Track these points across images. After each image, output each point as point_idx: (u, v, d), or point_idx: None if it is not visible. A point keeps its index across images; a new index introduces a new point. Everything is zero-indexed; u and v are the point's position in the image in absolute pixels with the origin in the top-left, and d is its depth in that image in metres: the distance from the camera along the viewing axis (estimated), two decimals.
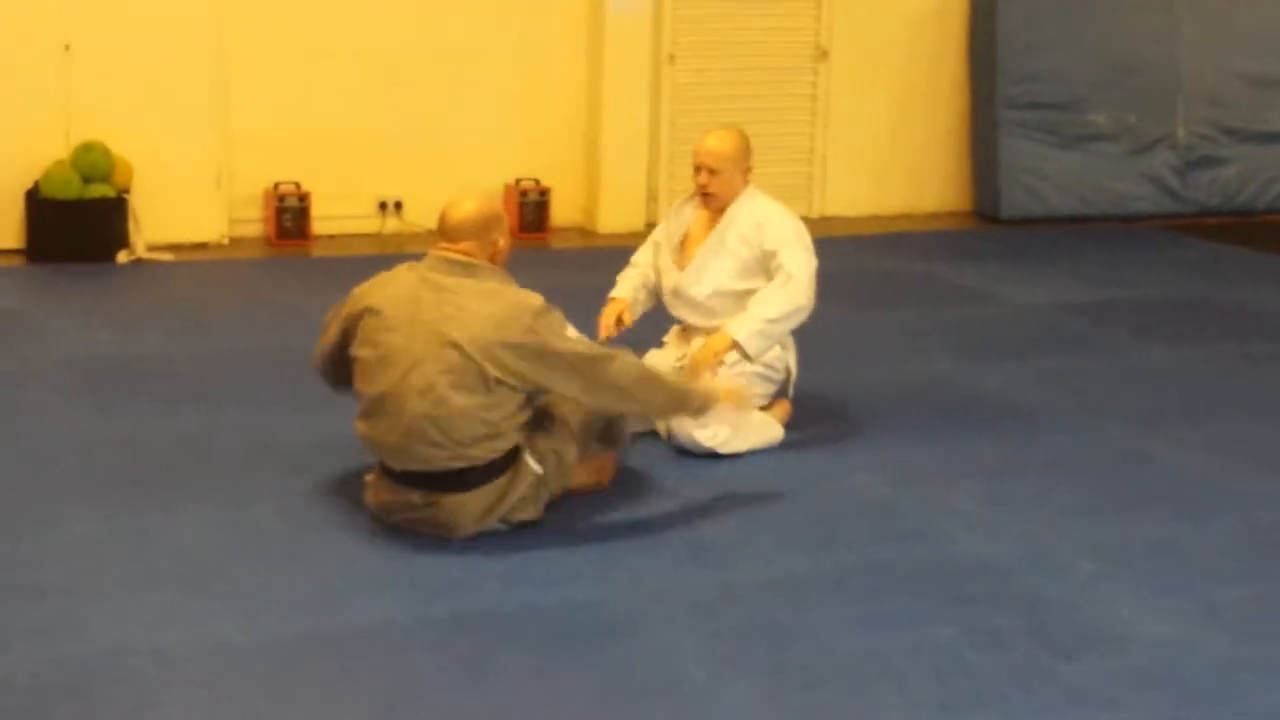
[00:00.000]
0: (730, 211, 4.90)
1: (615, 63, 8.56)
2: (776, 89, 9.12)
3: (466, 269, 4.04)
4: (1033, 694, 3.31)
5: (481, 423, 3.94)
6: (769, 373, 4.93)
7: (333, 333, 4.21)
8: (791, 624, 3.63)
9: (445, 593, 3.75)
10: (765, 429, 4.90)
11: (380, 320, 4.02)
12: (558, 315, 4.06)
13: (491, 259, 4.10)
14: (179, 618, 3.55)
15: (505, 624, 3.58)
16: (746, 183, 4.94)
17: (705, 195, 4.92)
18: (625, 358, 4.10)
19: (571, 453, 4.17)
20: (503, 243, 4.14)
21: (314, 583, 3.78)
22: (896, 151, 9.48)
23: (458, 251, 4.06)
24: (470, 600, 3.70)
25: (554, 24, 8.56)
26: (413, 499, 4.03)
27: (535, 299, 4.02)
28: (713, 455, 4.74)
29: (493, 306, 3.96)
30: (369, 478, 4.22)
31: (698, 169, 4.89)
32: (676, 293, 4.99)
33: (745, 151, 4.91)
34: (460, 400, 3.90)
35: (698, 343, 4.88)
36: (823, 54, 9.17)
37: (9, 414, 5.06)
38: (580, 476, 4.30)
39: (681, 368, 4.82)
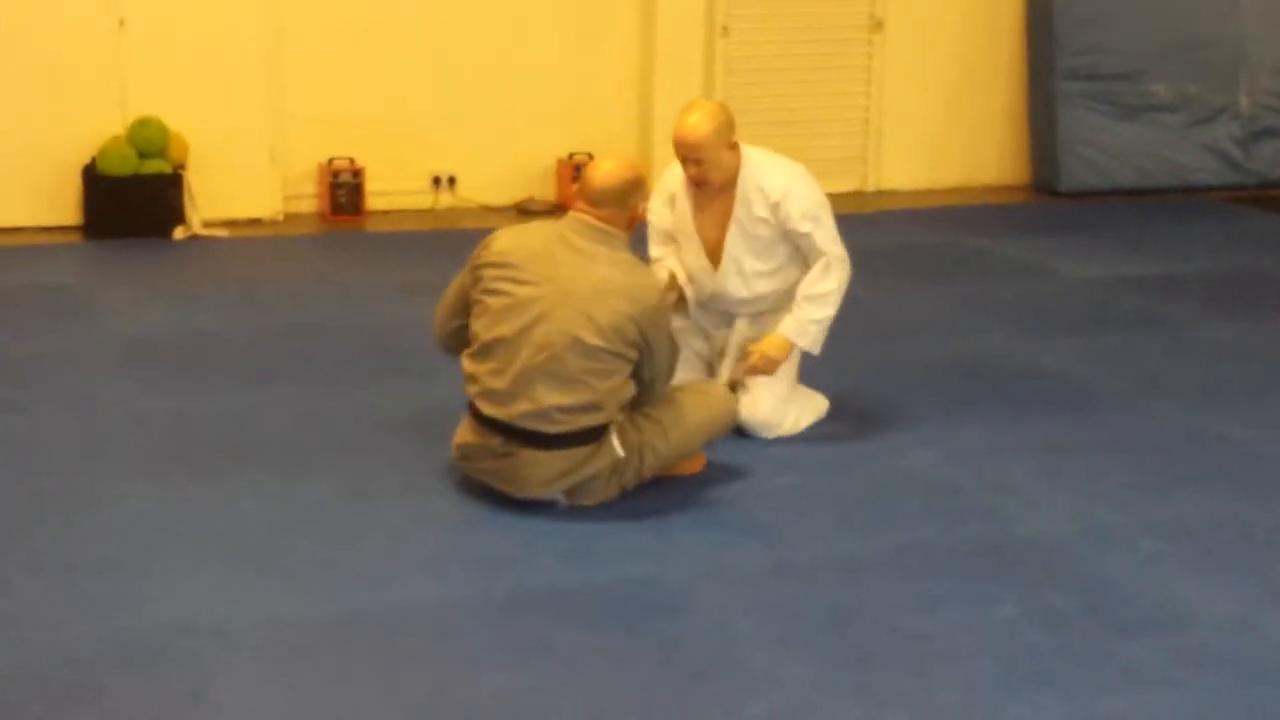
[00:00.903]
0: (740, 191, 4.58)
1: (667, 36, 8.52)
2: (830, 61, 9.05)
3: (604, 236, 4.08)
4: (1092, 673, 3.28)
5: (588, 389, 3.96)
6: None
7: (458, 282, 4.23)
8: (848, 602, 3.61)
9: (502, 570, 3.75)
10: (816, 402, 4.88)
11: (513, 271, 4.05)
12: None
13: (630, 224, 4.16)
14: (235, 593, 3.58)
15: (562, 601, 3.59)
16: (738, 156, 4.58)
17: (699, 185, 4.57)
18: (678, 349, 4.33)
19: (655, 456, 4.18)
20: (641, 208, 4.20)
21: (370, 559, 3.80)
22: (952, 124, 9.39)
23: (597, 217, 4.09)
24: (527, 578, 3.71)
25: None
26: (494, 444, 4.05)
27: (660, 280, 4.21)
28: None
29: (627, 278, 4.03)
30: (455, 437, 4.22)
31: (683, 161, 4.52)
32: (718, 296, 4.78)
33: (726, 126, 4.49)
34: (576, 362, 3.94)
35: (741, 324, 4.81)
36: (877, 25, 9.08)
37: (66, 390, 5.10)
38: (672, 469, 4.32)
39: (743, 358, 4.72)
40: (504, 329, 4.02)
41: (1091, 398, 5.27)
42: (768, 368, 4.62)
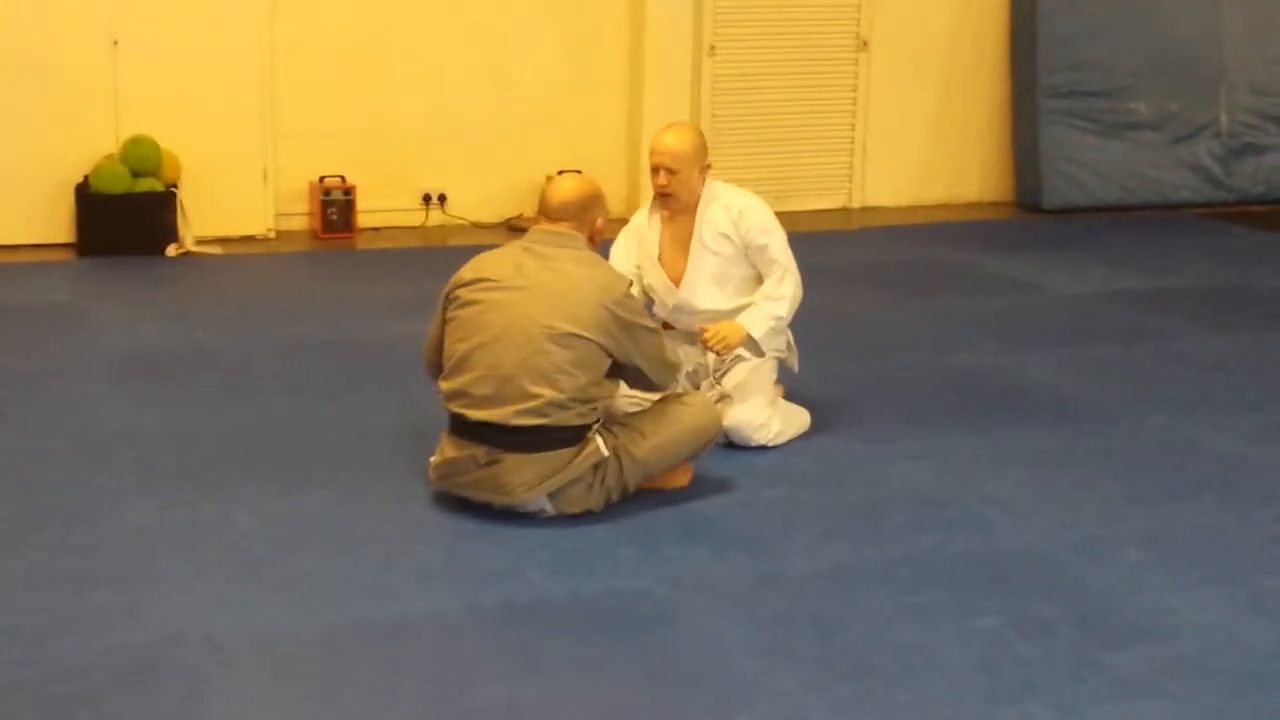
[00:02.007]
0: (701, 211, 4.76)
1: (656, 54, 8.58)
2: (817, 79, 9.11)
3: (566, 240, 4.18)
4: (1080, 683, 3.32)
5: (572, 380, 4.03)
6: (780, 352, 4.92)
7: (437, 316, 4.29)
8: (837, 614, 3.64)
9: (493, 582, 3.78)
10: (798, 416, 4.93)
11: (482, 284, 4.16)
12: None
13: (590, 237, 4.26)
14: (231, 607, 3.60)
15: (553, 613, 3.62)
16: (704, 180, 4.77)
17: (664, 196, 4.73)
18: (662, 334, 4.39)
19: (635, 461, 4.21)
20: (601, 222, 4.29)
21: (364, 573, 3.83)
22: (937, 141, 9.45)
23: (557, 228, 4.20)
24: (518, 590, 3.74)
25: (595, 16, 8.58)
26: (477, 454, 4.09)
27: (626, 276, 4.31)
28: (759, 447, 4.77)
29: (593, 272, 4.15)
30: (433, 458, 4.26)
31: (655, 169, 4.69)
32: (680, 309, 4.87)
33: (703, 149, 4.74)
34: (557, 354, 4.02)
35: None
36: (863, 44, 9.15)
37: (61, 406, 5.13)
38: (658, 481, 4.35)
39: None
40: (481, 336, 4.10)
41: (1079, 410, 5.32)
42: (722, 347, 4.66)
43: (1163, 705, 3.24)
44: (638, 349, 4.18)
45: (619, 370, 4.23)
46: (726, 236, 4.77)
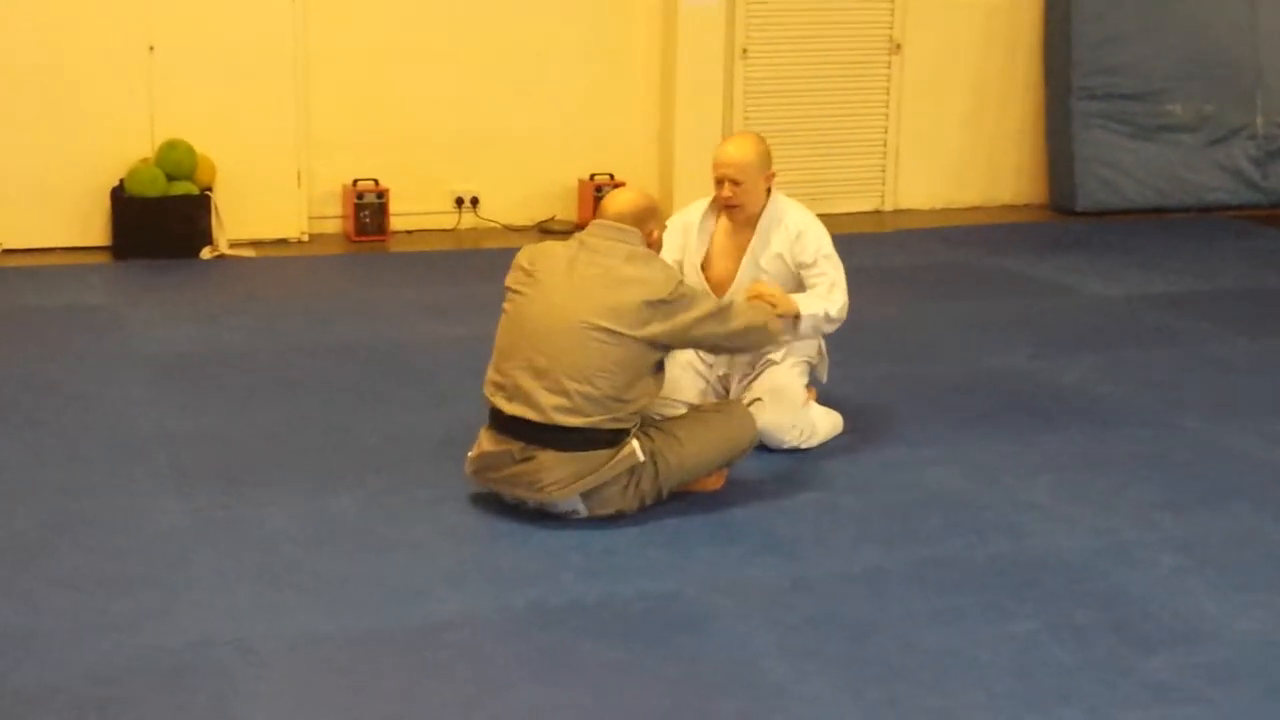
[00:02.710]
0: (762, 226, 4.71)
1: (688, 57, 8.58)
2: (849, 83, 9.10)
3: (622, 234, 4.18)
4: (1115, 689, 3.30)
5: (611, 378, 4.02)
6: (804, 363, 4.89)
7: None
8: (869, 617, 3.63)
9: (524, 585, 3.78)
10: (830, 418, 4.91)
11: (533, 275, 4.18)
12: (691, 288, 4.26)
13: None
14: (263, 610, 3.62)
15: (584, 616, 3.62)
16: (769, 190, 4.73)
17: (730, 208, 4.70)
18: (736, 302, 4.42)
19: (671, 467, 4.20)
20: (657, 233, 4.29)
21: (395, 575, 3.83)
22: (971, 144, 9.42)
23: (619, 224, 4.20)
24: (549, 592, 3.74)
25: (627, 19, 8.59)
26: (513, 450, 4.10)
27: (677, 272, 4.29)
28: (791, 449, 4.76)
29: (643, 270, 4.12)
30: (470, 453, 4.27)
31: (720, 181, 4.65)
32: None
33: (767, 157, 4.69)
34: (599, 350, 4.02)
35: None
36: (896, 47, 9.13)
37: (96, 408, 5.16)
38: (692, 484, 4.35)
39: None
40: (523, 327, 4.12)
41: (1113, 414, 5.29)
42: (770, 300, 4.54)
43: (1199, 711, 3.21)
44: (692, 336, 4.17)
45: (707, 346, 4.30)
46: (781, 257, 4.72)
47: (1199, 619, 3.65)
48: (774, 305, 4.53)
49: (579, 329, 4.04)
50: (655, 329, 4.07)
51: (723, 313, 4.22)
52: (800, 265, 4.72)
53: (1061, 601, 3.72)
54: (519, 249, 4.32)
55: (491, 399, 4.18)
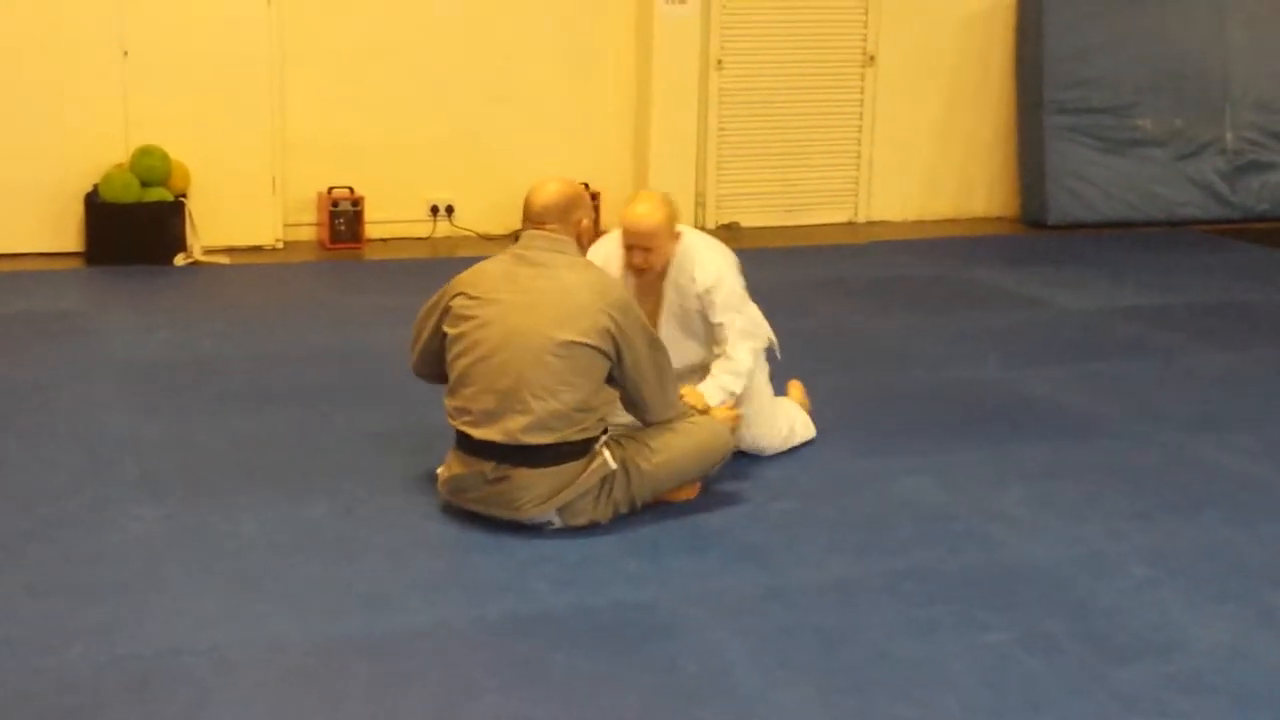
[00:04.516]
0: (671, 277, 4.59)
1: (663, 67, 8.60)
2: (823, 94, 9.14)
3: (558, 244, 4.17)
4: (1086, 699, 3.31)
5: (575, 389, 4.01)
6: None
7: (428, 324, 4.29)
8: (842, 627, 3.64)
9: (498, 594, 3.78)
10: (804, 422, 4.93)
11: (476, 297, 4.15)
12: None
13: (578, 239, 4.23)
14: (234, 617, 3.60)
15: (557, 626, 3.61)
16: (678, 243, 4.57)
17: (642, 272, 4.56)
18: (668, 357, 4.30)
19: (644, 476, 4.19)
20: (586, 221, 4.26)
21: (368, 583, 3.82)
22: (943, 157, 9.47)
23: (547, 232, 4.17)
24: (522, 602, 3.73)
25: (603, 29, 8.61)
26: (485, 471, 4.09)
27: (618, 280, 4.28)
28: (764, 456, 4.78)
29: (587, 275, 4.14)
30: (440, 470, 4.27)
31: (630, 249, 4.52)
32: None
33: (673, 216, 4.55)
34: (557, 364, 4.01)
35: None
36: (870, 59, 9.17)
37: (68, 414, 5.13)
38: (669, 494, 4.34)
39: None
40: (479, 350, 4.10)
41: (1084, 425, 5.32)
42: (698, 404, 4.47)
43: None
44: (636, 363, 4.12)
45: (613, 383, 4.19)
46: (693, 308, 4.60)
47: (1170, 629, 3.67)
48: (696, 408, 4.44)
49: (538, 345, 4.02)
50: (611, 333, 4.04)
51: (664, 353, 4.20)
52: (707, 318, 4.59)
53: (1033, 611, 3.74)
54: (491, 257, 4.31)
55: (456, 425, 4.18)
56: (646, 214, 4.52)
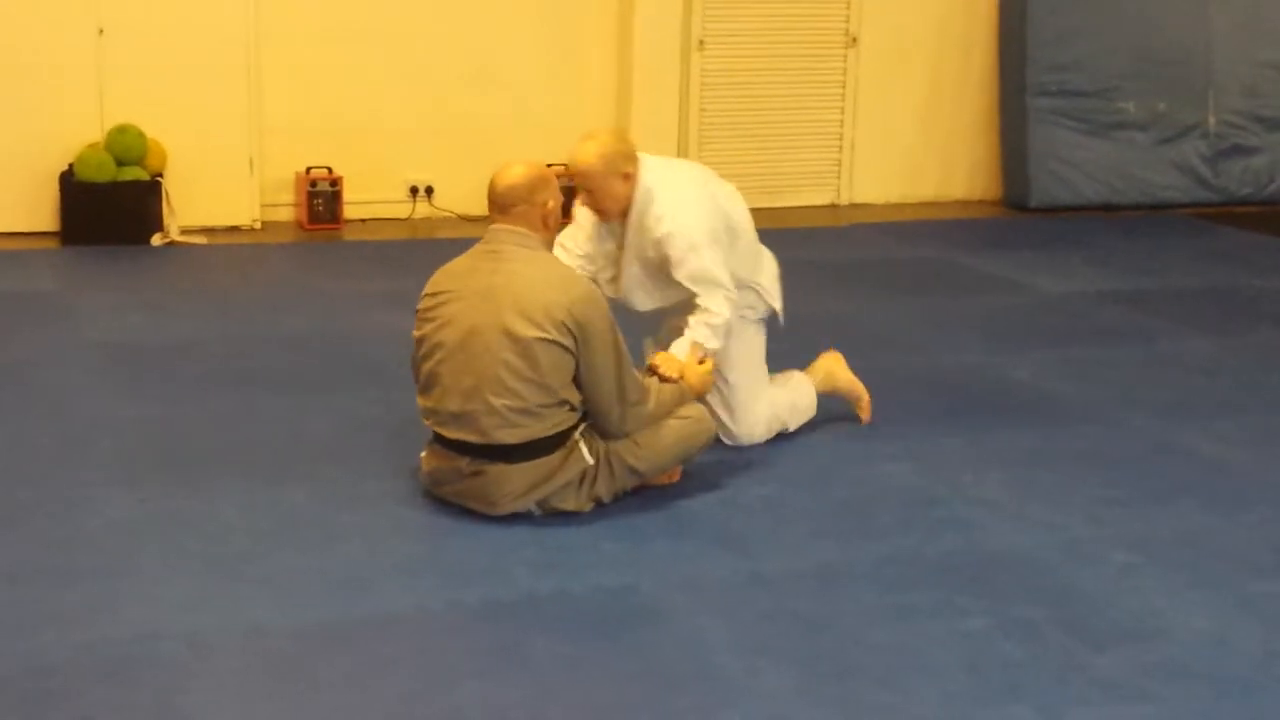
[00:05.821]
0: (633, 220, 4.46)
1: (645, 48, 8.56)
2: (806, 76, 9.11)
3: (522, 239, 4.10)
4: (1066, 685, 3.31)
5: (541, 385, 3.97)
6: (748, 313, 4.70)
7: (415, 336, 4.22)
8: (823, 613, 3.63)
9: (477, 578, 3.76)
10: (801, 390, 4.90)
11: (440, 296, 4.11)
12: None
13: (544, 220, 4.15)
14: (211, 602, 3.58)
15: (537, 610, 3.60)
16: (631, 186, 4.42)
17: (597, 211, 4.50)
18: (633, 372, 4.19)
19: (625, 467, 4.16)
20: (552, 203, 4.16)
21: (346, 567, 3.80)
22: (926, 139, 9.45)
23: (510, 223, 4.11)
24: (502, 586, 3.72)
25: (584, 8, 8.56)
26: (461, 466, 4.07)
27: (584, 276, 4.24)
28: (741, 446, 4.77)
29: (549, 271, 4.08)
30: (423, 455, 4.24)
31: (576, 188, 4.49)
32: (622, 305, 4.61)
33: (618, 156, 4.38)
34: (519, 360, 3.95)
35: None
36: (852, 41, 9.14)
37: (42, 396, 5.09)
38: (651, 479, 4.32)
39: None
40: (442, 351, 4.06)
41: (1065, 411, 5.31)
42: (677, 375, 4.37)
43: (1149, 708, 3.23)
44: (591, 365, 4.01)
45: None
46: (656, 253, 4.50)
47: (1150, 616, 3.67)
48: (678, 373, 4.35)
49: (496, 342, 3.96)
50: (571, 328, 3.96)
51: (629, 363, 4.09)
52: (668, 264, 4.48)
53: (1013, 598, 3.73)
54: (475, 240, 4.26)
55: (429, 425, 4.15)
56: (583, 153, 4.38)
